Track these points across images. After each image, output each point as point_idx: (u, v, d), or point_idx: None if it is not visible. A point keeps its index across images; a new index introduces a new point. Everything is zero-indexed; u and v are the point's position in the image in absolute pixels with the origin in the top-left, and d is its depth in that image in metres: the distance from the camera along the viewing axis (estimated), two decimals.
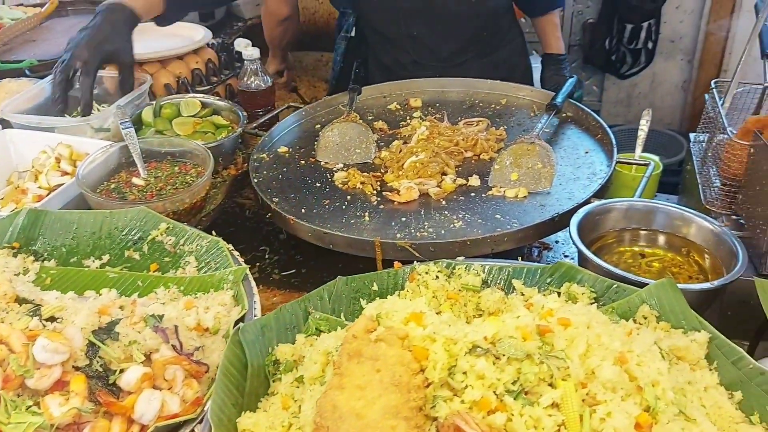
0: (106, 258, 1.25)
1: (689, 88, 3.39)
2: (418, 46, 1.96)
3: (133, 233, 1.26)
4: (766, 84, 1.53)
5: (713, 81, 1.54)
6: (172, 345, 0.97)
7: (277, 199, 1.46)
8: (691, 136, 1.65)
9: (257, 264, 1.53)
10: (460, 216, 1.38)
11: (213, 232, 1.25)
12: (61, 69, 1.58)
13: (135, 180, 1.46)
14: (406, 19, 1.90)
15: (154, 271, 1.21)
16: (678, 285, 1.00)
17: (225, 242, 1.20)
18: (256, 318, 1.03)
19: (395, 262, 1.12)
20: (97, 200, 1.36)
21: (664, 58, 3.36)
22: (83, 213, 1.29)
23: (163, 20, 1.85)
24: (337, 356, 0.78)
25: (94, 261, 1.24)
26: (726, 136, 1.40)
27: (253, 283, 1.11)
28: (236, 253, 1.19)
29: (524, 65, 2.18)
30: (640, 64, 3.19)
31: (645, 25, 3.07)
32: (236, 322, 1.04)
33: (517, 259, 1.16)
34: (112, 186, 1.46)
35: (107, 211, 1.28)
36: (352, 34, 2.56)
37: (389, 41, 2.03)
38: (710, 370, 0.90)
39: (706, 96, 1.57)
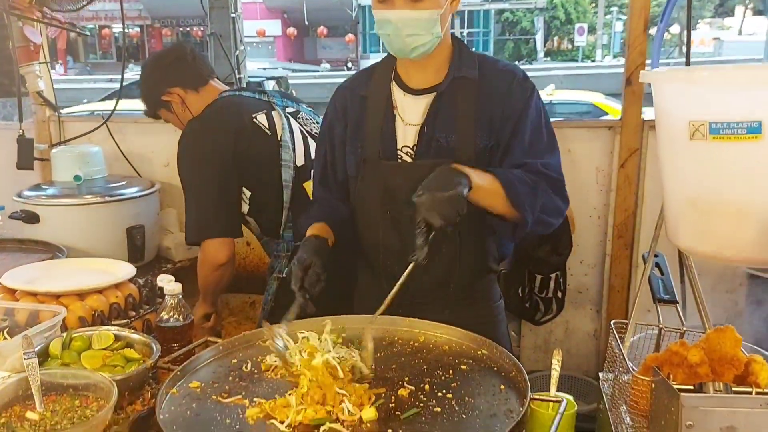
0: None
1: (600, 336, 3.56)
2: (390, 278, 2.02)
3: None
4: (660, 326, 1.65)
5: (612, 322, 1.65)
6: None
7: None
8: (600, 375, 1.71)
9: None
10: None
11: None
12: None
13: (29, 414, 1.37)
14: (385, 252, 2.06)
15: None
16: None
17: None
18: None
19: None
20: None
21: (575, 308, 3.56)
22: None
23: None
24: None
25: None
26: (629, 375, 1.47)
27: None
28: None
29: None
30: (552, 311, 3.37)
31: (553, 276, 3.31)
32: None
33: None
34: (2, 421, 1.35)
35: None
36: (284, 275, 2.67)
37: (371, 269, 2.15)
38: None
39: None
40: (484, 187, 1.77)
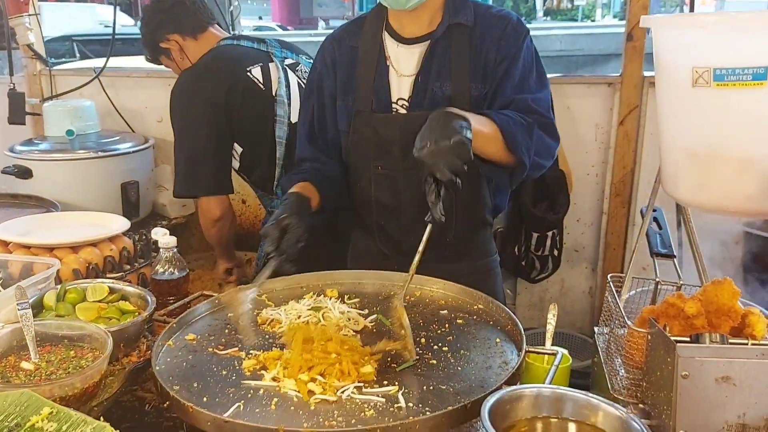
0: None
1: (595, 294, 3.58)
2: (384, 236, 2.07)
3: (10, 419, 1.14)
4: (657, 279, 1.65)
5: (609, 275, 1.64)
6: None
7: (177, 387, 1.38)
8: (595, 329, 1.71)
9: None
10: (373, 405, 1.33)
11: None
12: None
13: (24, 364, 1.36)
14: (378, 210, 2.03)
15: None
16: None
17: (112, 428, 1.10)
18: None
19: None
20: None
21: (570, 266, 3.57)
22: None
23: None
24: None
25: None
26: (625, 329, 1.46)
27: None
28: None
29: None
30: (548, 269, 3.38)
31: (549, 234, 3.31)
32: None
33: None
34: None
35: None
36: None
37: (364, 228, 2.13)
38: None
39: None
40: (483, 131, 1.71)
